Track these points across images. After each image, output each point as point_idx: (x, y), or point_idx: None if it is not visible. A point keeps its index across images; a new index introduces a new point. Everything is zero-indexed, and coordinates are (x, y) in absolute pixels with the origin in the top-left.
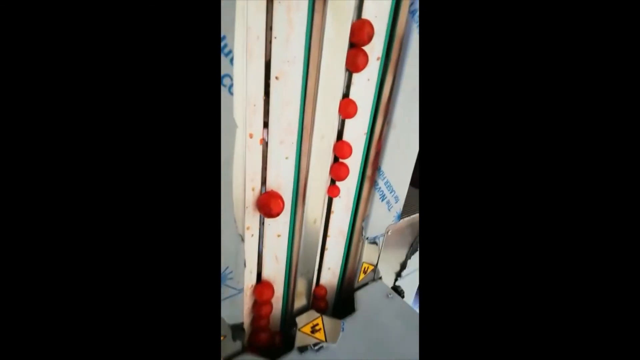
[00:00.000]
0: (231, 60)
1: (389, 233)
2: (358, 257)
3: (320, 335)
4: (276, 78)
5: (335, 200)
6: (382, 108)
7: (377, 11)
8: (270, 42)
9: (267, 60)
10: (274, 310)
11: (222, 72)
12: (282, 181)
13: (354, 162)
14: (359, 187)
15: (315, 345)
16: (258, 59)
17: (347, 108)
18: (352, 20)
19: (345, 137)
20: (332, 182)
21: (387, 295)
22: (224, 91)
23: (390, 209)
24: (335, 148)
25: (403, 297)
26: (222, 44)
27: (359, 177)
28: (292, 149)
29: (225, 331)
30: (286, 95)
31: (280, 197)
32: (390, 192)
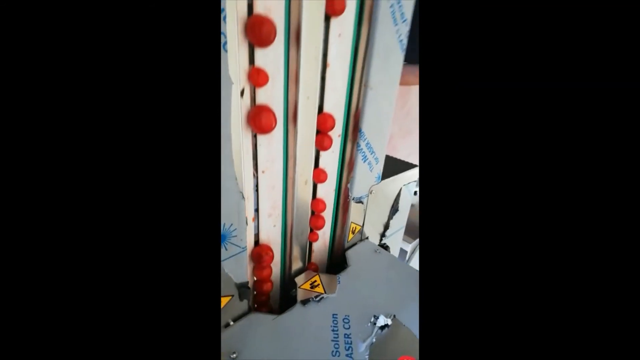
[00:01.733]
0: (224, 17)
1: (372, 193)
2: (346, 218)
3: (319, 290)
4: (262, 172)
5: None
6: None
7: (336, 102)
8: (256, 146)
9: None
10: (273, 280)
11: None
12: (271, 238)
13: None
14: (342, 155)
15: (316, 297)
16: (249, 172)
17: (319, 176)
18: (317, 112)
19: (319, 195)
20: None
21: (375, 251)
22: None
23: (372, 170)
24: (312, 205)
25: (389, 252)
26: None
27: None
28: (279, 219)
29: (232, 290)
30: (271, 182)
31: (270, 249)
32: (371, 153)
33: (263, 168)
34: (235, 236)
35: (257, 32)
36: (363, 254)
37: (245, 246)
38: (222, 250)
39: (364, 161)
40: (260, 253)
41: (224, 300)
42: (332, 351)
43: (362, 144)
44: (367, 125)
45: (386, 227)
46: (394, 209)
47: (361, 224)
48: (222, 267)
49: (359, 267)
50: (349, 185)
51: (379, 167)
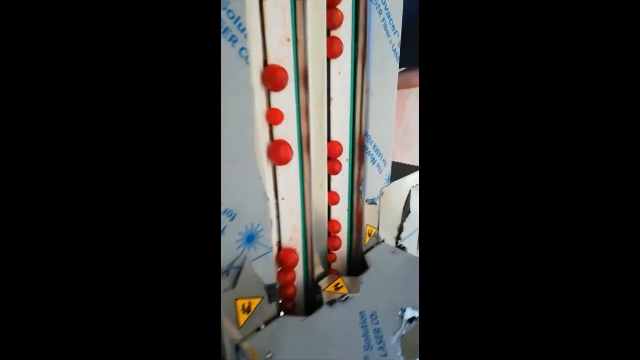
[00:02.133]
0: (245, 35)
1: (383, 194)
2: (362, 221)
3: (343, 291)
4: (282, 199)
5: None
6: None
7: (341, 130)
8: (275, 176)
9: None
10: (297, 293)
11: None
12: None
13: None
14: (351, 177)
15: (342, 297)
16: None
17: (332, 199)
18: (326, 141)
19: (333, 216)
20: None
21: (393, 252)
22: (240, 61)
23: (381, 172)
24: (328, 226)
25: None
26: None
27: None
28: (299, 241)
29: (261, 292)
30: (290, 207)
31: (294, 250)
32: (379, 155)
33: (283, 195)
34: (263, 236)
35: (272, 79)
36: (381, 256)
37: (272, 247)
38: (252, 250)
39: (373, 163)
40: (284, 253)
41: (254, 302)
42: (364, 345)
43: (370, 147)
44: (373, 128)
45: (400, 229)
46: (406, 211)
47: (376, 227)
48: (252, 267)
49: (379, 267)
50: (360, 187)
51: (387, 169)
